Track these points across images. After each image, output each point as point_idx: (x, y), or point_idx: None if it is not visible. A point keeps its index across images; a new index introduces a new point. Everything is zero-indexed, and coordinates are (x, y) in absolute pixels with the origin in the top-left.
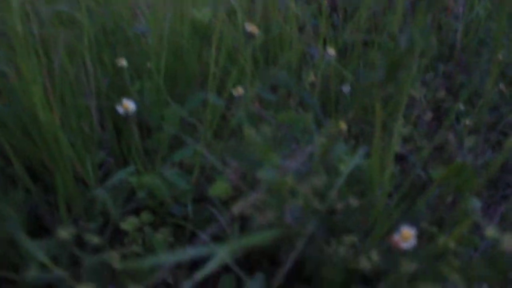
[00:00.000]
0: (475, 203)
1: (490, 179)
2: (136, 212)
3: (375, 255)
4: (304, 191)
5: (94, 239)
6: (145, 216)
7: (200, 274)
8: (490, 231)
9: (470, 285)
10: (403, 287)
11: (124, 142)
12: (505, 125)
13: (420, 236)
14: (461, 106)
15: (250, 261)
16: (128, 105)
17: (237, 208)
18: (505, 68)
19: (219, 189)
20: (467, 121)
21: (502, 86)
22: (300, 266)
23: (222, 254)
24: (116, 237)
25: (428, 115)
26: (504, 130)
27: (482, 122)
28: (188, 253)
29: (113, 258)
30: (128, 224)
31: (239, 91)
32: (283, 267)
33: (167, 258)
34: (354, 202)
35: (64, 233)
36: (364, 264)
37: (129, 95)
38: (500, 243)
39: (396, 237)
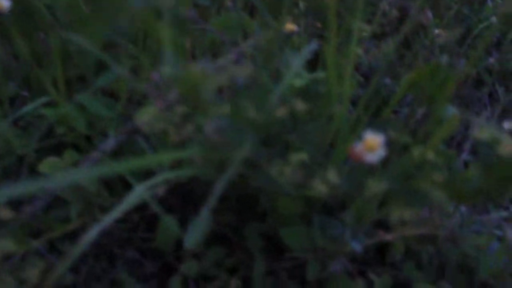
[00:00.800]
0: (452, 111)
1: (462, 96)
2: (58, 150)
3: (333, 176)
4: (222, 82)
5: None
6: (68, 154)
7: (114, 214)
8: (485, 131)
9: (453, 205)
10: (372, 214)
11: (43, 72)
12: (474, 38)
13: (389, 150)
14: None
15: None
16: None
17: (141, 121)
18: None
19: (146, 114)
20: (437, 31)
21: None
22: (252, 202)
23: (140, 188)
24: None
25: (394, 14)
26: (473, 44)
27: (452, 34)
28: (80, 173)
29: None
30: (46, 165)
31: None
32: (213, 196)
33: (50, 181)
34: (300, 106)
35: None
36: (320, 188)
37: (39, 14)
38: (498, 144)
39: (358, 148)
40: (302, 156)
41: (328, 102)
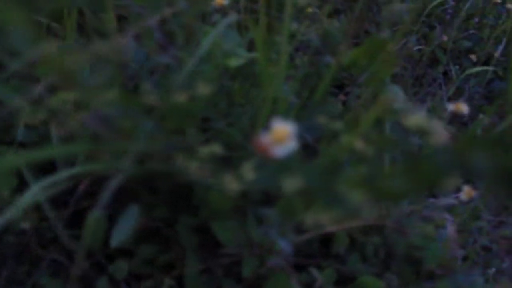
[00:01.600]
0: (395, 90)
1: (416, 75)
2: None
3: (247, 172)
4: (85, 62)
5: None
6: None
7: (6, 216)
8: (413, 118)
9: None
10: (295, 213)
11: None
12: (429, 15)
13: (318, 138)
14: None
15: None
16: None
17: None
18: None
19: (60, 98)
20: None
21: None
22: (187, 194)
23: (36, 187)
24: None
25: None
26: (428, 21)
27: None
28: None
29: None
30: None
31: None
32: (106, 192)
33: None
34: (202, 91)
35: None
36: (231, 185)
37: None
38: (427, 135)
39: (264, 139)
40: (214, 148)
41: (261, 80)
